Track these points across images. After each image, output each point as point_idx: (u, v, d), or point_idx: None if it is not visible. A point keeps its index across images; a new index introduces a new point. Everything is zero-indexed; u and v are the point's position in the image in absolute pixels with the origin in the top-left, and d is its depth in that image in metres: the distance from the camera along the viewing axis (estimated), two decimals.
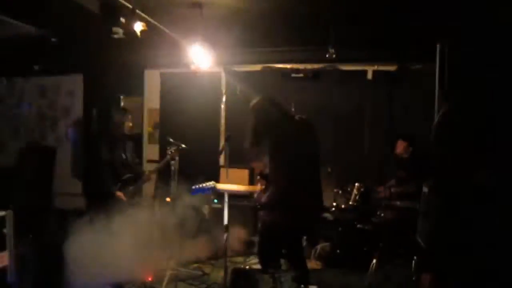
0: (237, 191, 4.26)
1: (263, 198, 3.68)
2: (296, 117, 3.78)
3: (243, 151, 4.21)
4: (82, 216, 4.13)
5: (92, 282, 3.92)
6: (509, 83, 3.70)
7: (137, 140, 7.09)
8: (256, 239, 5.28)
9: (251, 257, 5.35)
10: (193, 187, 3.84)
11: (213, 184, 3.85)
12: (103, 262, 3.94)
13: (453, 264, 3.42)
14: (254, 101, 3.81)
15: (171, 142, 4.86)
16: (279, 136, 3.60)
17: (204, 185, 3.84)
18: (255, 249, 5.21)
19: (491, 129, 3.54)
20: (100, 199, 4.38)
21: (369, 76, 6.38)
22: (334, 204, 5.51)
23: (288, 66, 6.56)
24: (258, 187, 3.91)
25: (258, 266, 3.98)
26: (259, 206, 3.83)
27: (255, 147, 3.73)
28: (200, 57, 5.70)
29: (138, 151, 7.12)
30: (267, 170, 3.66)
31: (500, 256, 3.26)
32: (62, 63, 6.91)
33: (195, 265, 5.05)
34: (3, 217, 3.73)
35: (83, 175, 6.02)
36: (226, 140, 4.24)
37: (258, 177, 3.83)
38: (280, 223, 3.60)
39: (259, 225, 3.90)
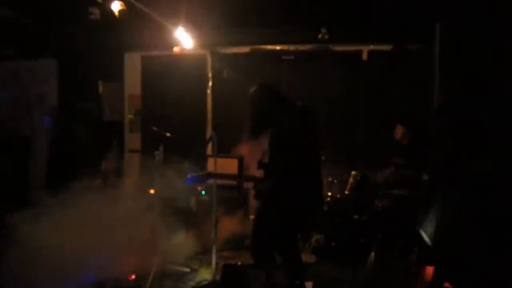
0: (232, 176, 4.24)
1: (261, 188, 3.65)
2: (297, 104, 3.76)
3: (231, 139, 4.17)
4: (57, 210, 4.07)
5: (71, 280, 3.87)
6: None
7: (117, 128, 7.01)
8: (247, 232, 5.24)
9: (242, 251, 5.29)
10: (190, 175, 3.83)
11: (208, 172, 3.82)
12: (83, 258, 3.90)
13: (457, 257, 3.42)
14: (252, 89, 3.80)
15: (154, 130, 4.79)
16: (280, 126, 3.60)
17: (200, 173, 3.83)
18: (247, 243, 5.19)
19: (491, 116, 3.53)
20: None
21: (364, 56, 6.34)
22: (329, 194, 5.48)
23: (278, 47, 6.50)
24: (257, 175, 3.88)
25: (251, 261, 3.93)
26: (257, 196, 3.79)
27: (257, 137, 3.73)
28: (184, 38, 5.62)
29: (119, 140, 7.03)
30: (266, 159, 3.64)
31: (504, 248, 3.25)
32: (36, 47, 6.76)
33: (182, 261, 4.99)
34: None
35: (48, 165, 5.94)
36: (214, 128, 4.19)
37: (257, 166, 3.79)
38: (277, 216, 3.59)
39: (254, 217, 3.86)
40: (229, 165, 5.94)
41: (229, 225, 5.30)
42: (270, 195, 3.61)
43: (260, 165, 3.75)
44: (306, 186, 3.59)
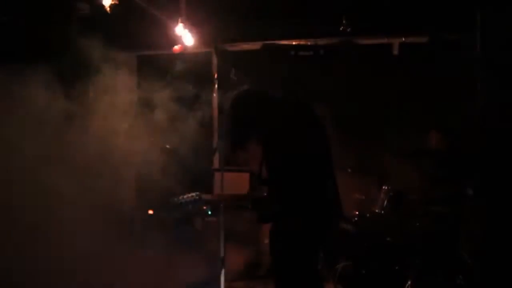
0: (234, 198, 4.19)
1: (269, 208, 3.61)
2: (289, 101, 3.77)
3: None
4: None
5: None
6: None
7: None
8: (262, 259, 5.24)
9: (257, 282, 5.29)
10: (173, 199, 3.70)
11: (197, 195, 3.70)
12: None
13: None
14: (234, 95, 3.81)
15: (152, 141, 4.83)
16: (272, 130, 3.56)
17: (186, 196, 3.68)
18: (260, 272, 5.18)
19: None
20: None
21: (395, 51, 6.31)
22: (357, 213, 5.43)
23: (294, 42, 6.50)
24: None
25: None
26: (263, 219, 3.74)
27: (238, 150, 3.77)
28: (185, 35, 5.65)
29: None
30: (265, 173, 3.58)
31: None
32: (14, 49, 6.82)
33: None
34: None
35: None
36: (221, 137, 4.17)
37: (257, 182, 3.74)
38: (295, 236, 3.49)
39: (271, 241, 3.79)
40: (238, 180, 5.96)
41: (240, 251, 5.30)
42: (282, 213, 3.53)
43: (260, 181, 3.69)
44: (319, 197, 3.52)
